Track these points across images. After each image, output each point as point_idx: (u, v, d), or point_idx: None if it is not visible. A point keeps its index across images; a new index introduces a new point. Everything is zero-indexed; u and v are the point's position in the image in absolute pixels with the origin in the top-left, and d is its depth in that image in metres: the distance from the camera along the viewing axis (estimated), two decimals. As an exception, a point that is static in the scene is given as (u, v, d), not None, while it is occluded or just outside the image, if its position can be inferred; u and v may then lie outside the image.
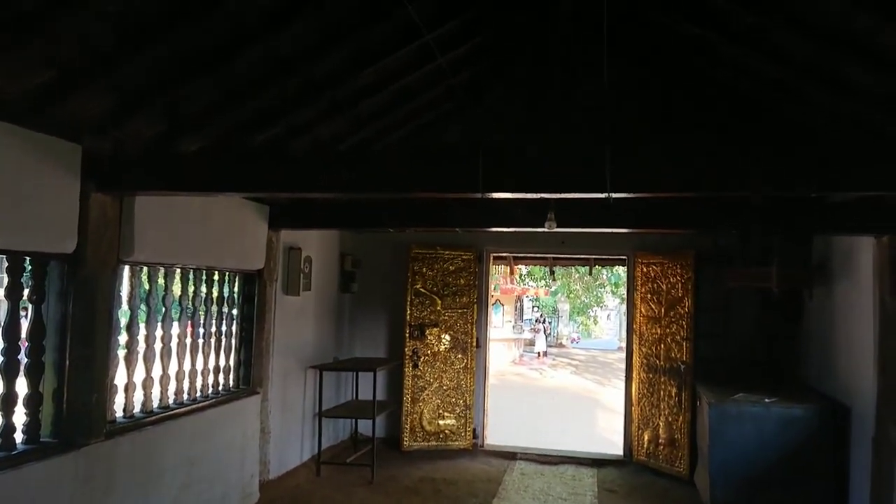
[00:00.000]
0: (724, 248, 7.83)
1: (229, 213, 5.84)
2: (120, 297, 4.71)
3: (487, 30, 5.58)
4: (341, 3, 3.92)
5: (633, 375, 8.43)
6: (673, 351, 7.98)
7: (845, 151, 3.62)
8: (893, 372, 5.27)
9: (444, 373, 8.69)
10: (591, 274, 20.59)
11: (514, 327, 28.68)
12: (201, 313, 5.87)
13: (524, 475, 7.89)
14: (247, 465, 6.26)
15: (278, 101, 4.73)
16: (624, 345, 9.44)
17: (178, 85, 3.97)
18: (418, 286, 8.64)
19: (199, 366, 5.84)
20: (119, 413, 4.81)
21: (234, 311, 6.44)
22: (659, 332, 8.17)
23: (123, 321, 4.89)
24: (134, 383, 4.93)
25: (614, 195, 3.75)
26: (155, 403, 5.23)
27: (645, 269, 8.37)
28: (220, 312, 6.15)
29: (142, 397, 5.07)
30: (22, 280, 3.93)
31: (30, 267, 4.01)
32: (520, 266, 20.78)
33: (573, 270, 26.10)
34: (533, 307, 34.95)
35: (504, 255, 10.28)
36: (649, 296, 8.30)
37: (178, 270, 5.51)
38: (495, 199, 4.24)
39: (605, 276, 28.67)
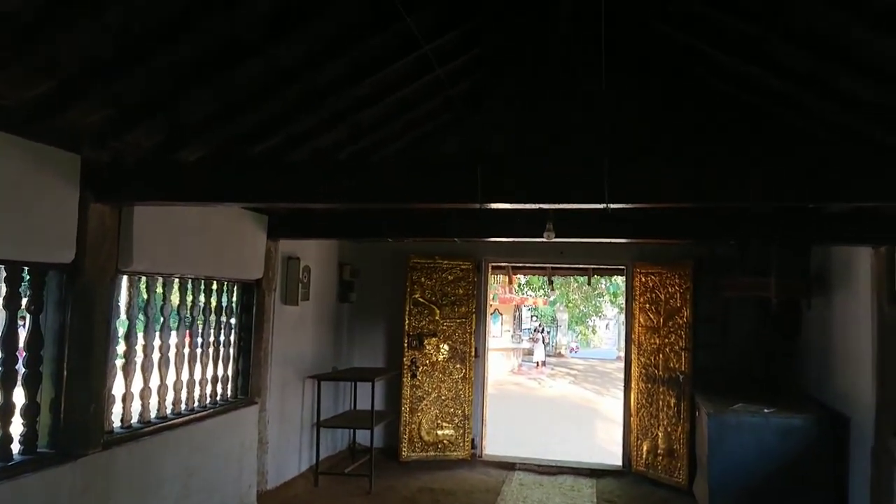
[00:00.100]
0: (722, 258, 7.84)
1: (228, 222, 5.84)
2: (118, 307, 4.70)
3: (485, 42, 5.60)
4: (340, 14, 3.93)
5: (632, 385, 8.42)
6: (671, 361, 7.97)
7: (843, 162, 3.63)
8: (892, 382, 5.27)
9: (442, 383, 8.67)
10: (589, 284, 20.58)
11: (512, 337, 28.62)
12: (199, 323, 5.87)
13: (523, 486, 7.87)
14: (244, 476, 6.24)
15: (277, 111, 4.74)
16: (623, 354, 9.43)
17: (177, 95, 3.98)
18: (417, 296, 8.64)
19: (197, 376, 5.83)
20: (117, 424, 4.80)
21: (233, 321, 6.44)
22: (657, 342, 8.16)
23: (121, 331, 4.88)
24: (132, 393, 4.92)
25: (612, 205, 3.76)
26: (153, 414, 5.21)
27: (643, 279, 8.38)
28: (218, 322, 6.14)
29: (139, 408, 5.06)
30: (20, 290, 3.93)
31: (28, 277, 4.01)
32: (518, 276, 20.76)
33: (572, 280, 26.09)
34: (531, 317, 34.90)
35: (503, 264, 10.28)
36: (648, 306, 8.30)
37: (177, 280, 5.51)
38: (494, 209, 4.24)
39: (603, 286, 28.66)
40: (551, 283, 16.44)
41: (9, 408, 3.81)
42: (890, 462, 5.16)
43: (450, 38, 5.00)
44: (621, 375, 9.22)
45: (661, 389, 8.06)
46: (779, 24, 3.81)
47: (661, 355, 8.10)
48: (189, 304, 5.70)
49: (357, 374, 8.37)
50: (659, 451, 7.97)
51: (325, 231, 7.05)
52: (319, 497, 7.12)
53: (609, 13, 4.28)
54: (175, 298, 5.55)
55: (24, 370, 3.98)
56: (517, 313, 31.37)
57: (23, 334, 4.03)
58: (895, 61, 3.47)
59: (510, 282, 21.47)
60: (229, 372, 6.32)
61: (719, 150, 5.81)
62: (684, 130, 6.14)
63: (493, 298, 20.76)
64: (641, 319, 8.36)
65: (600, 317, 35.33)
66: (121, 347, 4.90)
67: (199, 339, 5.90)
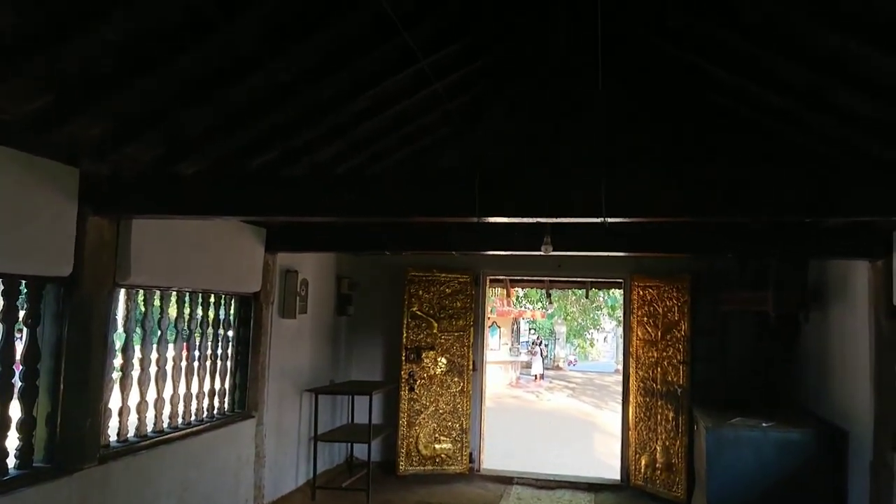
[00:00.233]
0: (720, 272, 7.84)
1: (226, 235, 5.84)
2: (115, 320, 4.69)
3: (483, 57, 5.63)
4: (339, 29, 3.96)
5: (630, 399, 8.41)
6: (670, 374, 7.96)
7: (840, 177, 3.65)
8: (890, 396, 5.27)
9: (440, 396, 8.65)
10: (587, 297, 20.57)
11: (510, 350, 28.58)
12: (197, 336, 5.85)
13: (521, 500, 7.83)
14: (241, 490, 6.21)
15: (276, 125, 4.75)
16: (621, 367, 9.42)
17: (176, 109, 3.99)
18: (415, 309, 8.63)
19: (195, 389, 5.81)
20: (113, 437, 4.77)
21: (230, 334, 6.42)
22: (656, 355, 8.16)
23: (118, 344, 4.87)
24: (128, 407, 4.90)
25: (610, 220, 3.77)
26: (149, 427, 5.19)
27: (641, 293, 8.38)
28: (215, 335, 6.14)
29: (136, 421, 5.04)
30: (17, 303, 3.92)
31: (25, 290, 4.00)
32: (516, 289, 20.76)
33: (570, 293, 26.08)
34: (530, 329, 34.86)
35: (501, 277, 10.27)
36: (646, 319, 8.30)
37: (174, 293, 5.50)
38: (492, 223, 4.25)
39: (601, 299, 28.63)
40: (549, 296, 16.43)
41: (5, 422, 3.80)
42: (889, 476, 5.15)
43: (448, 53, 5.02)
44: (619, 388, 9.21)
45: (659, 403, 8.05)
46: (777, 40, 3.83)
47: (659, 369, 8.09)
48: (186, 317, 5.69)
49: (355, 387, 8.36)
50: (657, 465, 7.95)
51: (323, 244, 7.06)
52: (316, 511, 7.09)
53: (607, 28, 4.30)
54: (173, 311, 5.54)
55: (20, 384, 3.97)
56: (515, 326, 31.35)
57: (19, 347, 4.02)
58: (891, 76, 3.49)
59: (508, 295, 21.45)
60: (226, 385, 6.30)
61: (717, 164, 5.83)
62: (682, 145, 6.16)
63: (491, 311, 20.75)
64: (639, 333, 8.35)
65: (598, 330, 35.30)
66: (118, 361, 4.89)
67: (197, 353, 5.89)
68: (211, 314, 6.04)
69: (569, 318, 31.90)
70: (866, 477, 5.52)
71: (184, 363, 5.69)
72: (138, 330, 5.10)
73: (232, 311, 6.44)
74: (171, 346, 5.51)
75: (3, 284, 3.80)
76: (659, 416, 8.03)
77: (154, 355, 5.27)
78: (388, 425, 8.54)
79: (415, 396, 8.57)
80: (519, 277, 10.54)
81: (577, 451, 11.63)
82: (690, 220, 4.65)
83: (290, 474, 7.42)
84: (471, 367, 8.76)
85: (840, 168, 4.58)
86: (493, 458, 9.18)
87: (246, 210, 4.55)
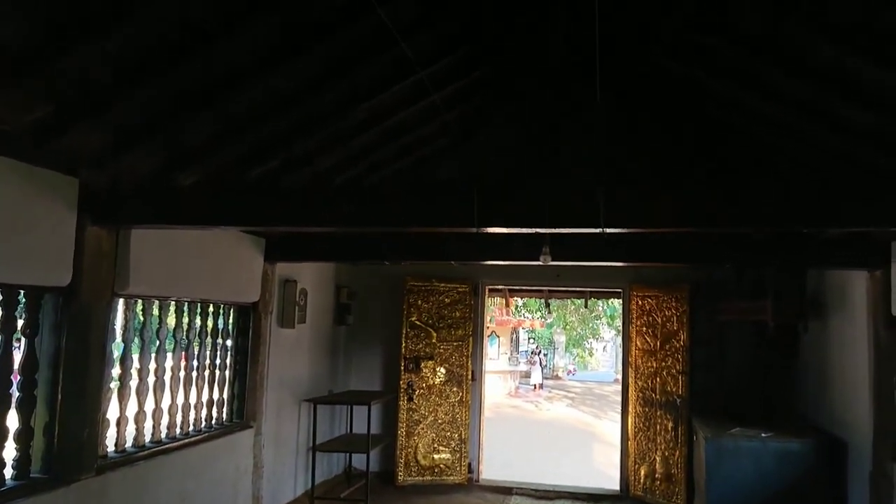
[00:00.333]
0: (719, 282, 7.85)
1: (225, 245, 5.84)
2: (114, 330, 4.69)
3: (481, 68, 5.65)
4: (338, 41, 3.97)
5: (629, 409, 8.39)
6: (669, 384, 7.96)
7: (838, 187, 3.66)
8: (889, 407, 5.26)
9: (439, 406, 8.63)
10: (586, 306, 20.56)
11: (509, 359, 28.52)
12: (195, 346, 5.85)
13: (520, 510, 7.81)
14: (239, 501, 6.18)
15: (274, 135, 4.76)
16: (620, 377, 9.41)
17: (176, 120, 4.00)
18: (414, 318, 8.63)
19: (193, 399, 5.80)
20: (111, 448, 4.76)
21: (229, 344, 6.41)
22: (655, 365, 8.15)
23: (116, 354, 4.86)
24: (126, 417, 4.89)
25: (608, 230, 3.78)
26: (147, 438, 5.17)
27: (640, 302, 8.38)
28: (214, 345, 6.13)
29: (134, 431, 5.03)
30: (15, 313, 3.92)
31: (24, 300, 4.00)
32: (515, 298, 20.75)
33: (569, 302, 26.05)
34: (529, 339, 34.81)
35: (500, 287, 10.28)
36: (645, 329, 8.30)
37: (173, 303, 5.50)
38: (491, 233, 4.26)
39: (600, 308, 28.61)
40: (548, 305, 16.43)
41: (2, 432, 3.78)
42: (888, 486, 5.14)
43: (445, 65, 5.04)
44: (619, 398, 9.19)
45: (658, 413, 8.04)
46: (774, 51, 3.85)
47: (658, 379, 8.09)
48: (185, 326, 5.69)
49: (353, 397, 8.34)
50: (657, 476, 7.93)
51: (322, 254, 7.06)
52: (315, 522, 7.06)
53: (605, 40, 4.32)
54: (171, 321, 5.54)
55: (18, 394, 3.96)
56: (514, 335, 31.29)
57: (17, 357, 4.01)
58: (885, 86, 3.51)
59: (507, 304, 21.44)
60: (225, 395, 6.29)
61: (715, 175, 5.85)
62: (680, 156, 6.18)
63: (490, 321, 20.72)
64: (638, 343, 8.35)
65: (597, 339, 35.24)
66: (116, 371, 4.88)
67: (195, 362, 5.88)
68: (210, 324, 6.04)
69: (568, 327, 31.85)
70: (866, 487, 5.51)
71: (182, 373, 5.68)
72: (137, 340, 5.10)
73: (231, 321, 6.44)
74: (169, 355, 5.50)
75: (2, 294, 3.80)
76: (658, 427, 8.02)
77: (152, 365, 5.26)
78: (387, 435, 8.52)
79: (414, 406, 8.55)
80: (518, 287, 10.55)
81: (577, 461, 11.59)
82: (688, 230, 4.66)
83: (288, 485, 7.40)
84: (470, 376, 8.74)
85: (838, 179, 4.59)
86: (493, 469, 9.15)
87: (245, 220, 4.56)
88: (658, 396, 8.06)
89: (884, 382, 5.34)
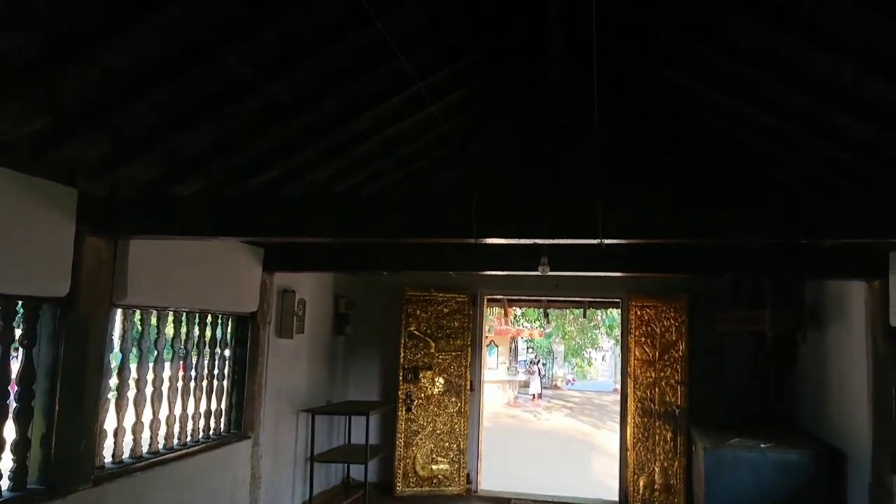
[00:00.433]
0: (718, 292, 7.85)
1: (223, 255, 5.84)
2: (112, 340, 4.68)
3: (479, 79, 5.67)
4: (337, 53, 3.99)
5: (628, 419, 8.37)
6: (667, 395, 7.95)
7: (835, 199, 3.67)
8: (888, 418, 5.26)
9: (437, 416, 8.61)
10: (585, 316, 20.55)
11: (508, 369, 28.45)
12: (193, 356, 5.83)
13: (518, 522, 7.77)
14: (237, 512, 6.16)
15: (273, 146, 4.77)
16: (619, 386, 9.40)
17: (175, 130, 4.01)
18: (412, 328, 8.62)
19: (190, 410, 5.78)
20: (108, 459, 4.74)
21: (227, 354, 6.39)
22: (653, 375, 8.14)
23: (114, 364, 4.85)
24: (124, 428, 4.87)
25: (606, 241, 3.78)
26: (144, 449, 5.15)
27: (639, 313, 8.38)
28: (212, 355, 6.11)
29: (131, 442, 5.01)
30: (13, 323, 3.91)
31: (22, 310, 3.99)
32: (514, 308, 20.74)
33: (568, 312, 26.03)
34: (528, 348, 34.75)
35: (498, 297, 10.27)
36: (643, 339, 8.29)
37: (171, 313, 5.49)
38: (489, 244, 4.26)
39: (599, 317, 28.58)
40: (547, 315, 16.42)
41: (-1, 443, 3.78)
42: (888, 498, 5.13)
43: (443, 76, 5.06)
44: (618, 408, 9.17)
45: (657, 423, 8.02)
46: (772, 64, 3.87)
47: (657, 389, 8.08)
48: (183, 336, 5.67)
49: (352, 407, 8.31)
50: (656, 486, 7.90)
51: (320, 264, 7.05)
52: (312, 533, 7.02)
53: (602, 53, 4.34)
54: (169, 331, 5.53)
55: (16, 405, 3.95)
56: (513, 345, 31.24)
57: (15, 367, 4.00)
58: (884, 100, 3.53)
59: (506, 314, 21.41)
60: (222, 406, 6.26)
61: (712, 186, 5.86)
62: (678, 167, 6.19)
63: (489, 330, 20.69)
64: (637, 353, 8.34)
65: (596, 348, 35.18)
66: (113, 381, 4.87)
67: (193, 373, 5.86)
68: (208, 334, 6.02)
69: (567, 336, 31.80)
70: (866, 499, 5.50)
71: (180, 383, 5.66)
72: (134, 350, 5.09)
73: (229, 331, 6.42)
74: (167, 365, 5.49)
75: (0, 305, 3.79)
76: (657, 437, 8.00)
77: (150, 375, 5.24)
78: (385, 446, 8.49)
79: (412, 417, 8.53)
80: (516, 297, 10.54)
81: (576, 472, 11.56)
82: (686, 241, 4.67)
83: (286, 495, 7.36)
84: (468, 387, 8.72)
85: (836, 190, 4.61)
86: (491, 479, 9.11)
87: (243, 231, 4.56)
88: (657, 407, 8.05)
89: (883, 393, 5.34)
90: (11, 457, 3.91)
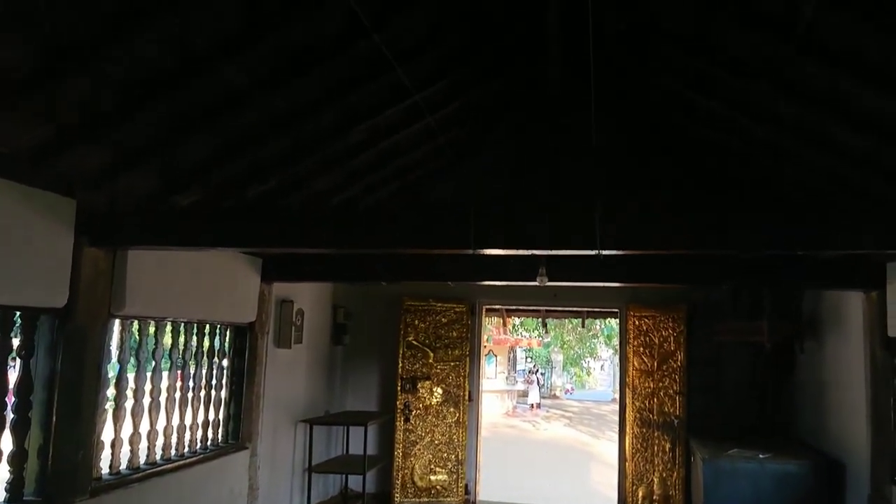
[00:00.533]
0: (716, 302, 7.85)
1: (221, 265, 5.84)
2: (109, 351, 4.67)
3: (477, 90, 5.69)
4: (335, 64, 4.01)
5: (627, 430, 8.35)
6: (666, 405, 7.94)
7: (832, 210, 3.68)
8: (887, 428, 5.25)
9: (435, 427, 8.59)
10: (583, 326, 20.54)
11: (506, 378, 28.41)
12: (191, 366, 5.82)
13: (517, 533, 7.75)
14: (234, 523, 6.13)
15: (272, 156, 4.78)
16: (618, 396, 9.39)
17: (173, 141, 4.02)
18: (410, 338, 8.61)
19: (188, 420, 5.76)
20: (105, 470, 4.72)
21: (225, 364, 6.38)
22: (652, 385, 8.14)
23: (112, 374, 4.84)
24: (121, 439, 4.86)
25: (604, 252, 3.79)
26: (142, 459, 5.14)
27: (637, 323, 8.38)
28: (210, 365, 6.10)
29: (128, 453, 4.99)
30: (11, 334, 3.91)
31: (20, 321, 3.99)
32: (512, 317, 20.73)
33: (566, 321, 26.02)
34: (526, 358, 34.69)
35: (497, 307, 10.27)
36: (642, 349, 8.29)
37: (169, 323, 5.48)
38: (487, 254, 4.27)
39: (598, 327, 28.56)
40: (545, 325, 16.42)
41: (-4, 454, 3.77)
42: (887, 510, 5.12)
43: (440, 88, 5.08)
44: (617, 417, 9.15)
45: (655, 434, 8.01)
46: (769, 75, 3.89)
47: (655, 399, 8.07)
48: (181, 347, 5.67)
49: (350, 417, 8.30)
50: (655, 497, 7.88)
51: (318, 274, 7.05)
52: (310, 544, 6.99)
53: (601, 64, 4.36)
54: (167, 341, 5.52)
55: (13, 416, 3.93)
56: (511, 354, 31.21)
57: (12, 378, 3.99)
58: (882, 112, 3.54)
59: (504, 324, 21.40)
60: (220, 416, 6.25)
61: (709, 198, 5.87)
62: (675, 178, 6.20)
63: (488, 340, 20.68)
64: (636, 363, 8.34)
65: (595, 358, 35.13)
66: (111, 391, 4.86)
67: (191, 383, 5.85)
68: (206, 344, 6.02)
69: (565, 346, 31.75)
70: (864, 510, 5.48)
71: (178, 394, 5.65)
72: (132, 360, 5.08)
73: (227, 341, 6.41)
74: (165, 375, 5.48)
75: (-2, 316, 3.80)
76: (656, 447, 7.99)
77: (148, 386, 5.23)
78: (384, 456, 8.47)
79: (410, 427, 8.51)
80: (515, 307, 10.53)
81: (575, 482, 11.53)
82: (684, 252, 4.68)
83: (283, 506, 7.34)
84: (467, 397, 8.70)
85: (833, 202, 4.62)
86: (490, 489, 9.09)
87: (241, 242, 4.56)
88: (656, 417, 8.04)
89: (881, 404, 5.33)
90: (8, 468, 3.90)
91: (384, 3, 3.80)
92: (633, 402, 8.30)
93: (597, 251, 3.75)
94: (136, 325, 5.08)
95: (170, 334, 5.54)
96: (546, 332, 24.83)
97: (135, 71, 3.32)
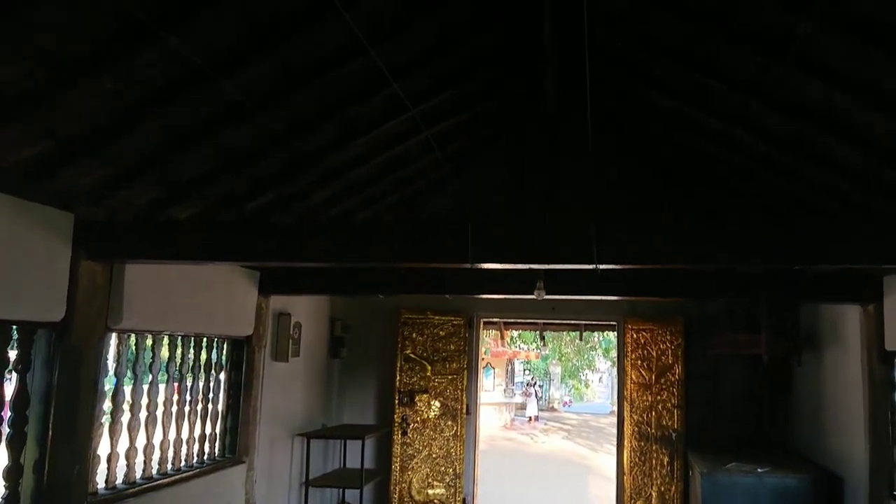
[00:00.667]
0: (714, 315, 7.85)
1: (219, 278, 5.83)
2: (106, 365, 4.66)
3: (473, 104, 5.71)
4: (331, 78, 4.03)
5: (625, 443, 8.33)
6: (664, 418, 7.93)
7: (829, 225, 3.70)
8: (885, 443, 5.24)
9: (433, 440, 8.56)
10: (581, 339, 20.54)
11: (504, 391, 28.36)
12: (188, 379, 5.81)
13: (515, 547, 7.71)
14: (230, 538, 6.10)
15: (269, 170, 4.79)
16: (616, 409, 9.37)
17: (172, 156, 4.03)
18: (408, 351, 8.60)
19: (185, 434, 5.74)
20: (101, 484, 4.69)
21: (222, 377, 6.37)
22: (650, 399, 8.12)
23: (108, 388, 4.83)
24: (117, 453, 4.84)
25: (602, 266, 3.80)
26: (138, 474, 5.11)
27: (635, 336, 8.38)
28: (207, 379, 6.08)
29: (125, 467, 4.97)
30: (7, 348, 3.90)
31: (16, 335, 3.98)
32: (510, 330, 20.71)
33: (564, 334, 25.99)
34: (524, 370, 34.64)
35: (495, 320, 10.27)
36: (640, 362, 8.28)
37: (166, 336, 5.47)
38: (485, 268, 4.28)
39: (596, 339, 28.55)
40: (543, 338, 16.42)
41: (-8, 470, 3.75)
42: (885, 524, 5.10)
43: (437, 103, 5.10)
44: (615, 430, 9.13)
45: (654, 447, 7.99)
46: (766, 90, 3.91)
47: (653, 412, 8.05)
48: (178, 360, 5.66)
49: (347, 431, 8.27)
50: (653, 511, 7.85)
51: (316, 287, 7.05)
52: (307, 559, 6.95)
53: (598, 79, 4.39)
54: (164, 354, 5.50)
55: (8, 430, 3.92)
56: (509, 367, 31.16)
57: (8, 393, 3.98)
58: (877, 128, 3.57)
59: (502, 337, 21.38)
60: (217, 430, 6.23)
61: (707, 211, 5.89)
62: (672, 192, 6.22)
63: (486, 352, 20.65)
64: (633, 376, 8.33)
65: (593, 370, 35.09)
66: (107, 405, 4.84)
67: (188, 396, 5.83)
68: (203, 357, 6.00)
69: (563, 358, 31.72)
70: (863, 524, 5.47)
71: (174, 407, 5.63)
72: (129, 374, 5.06)
73: (224, 354, 6.40)
74: (162, 388, 5.46)
75: (-5, 330, 3.79)
76: (654, 461, 7.97)
77: (144, 399, 5.22)
78: (381, 470, 8.44)
79: (408, 441, 8.49)
80: (513, 320, 10.53)
81: (573, 496, 11.49)
82: (681, 266, 4.69)
83: (280, 521, 7.31)
84: (465, 410, 8.68)
85: (830, 216, 4.64)
86: (488, 503, 9.05)
87: (240, 255, 4.56)
88: (653, 431, 8.02)
89: (879, 418, 5.33)
90: (3, 483, 3.87)
91: (381, 19, 3.82)
92: (631, 416, 8.29)
93: (594, 265, 3.76)
94: (133, 338, 5.08)
95: (167, 348, 5.52)
96: (544, 344, 24.81)
97: (132, 86, 3.33)
